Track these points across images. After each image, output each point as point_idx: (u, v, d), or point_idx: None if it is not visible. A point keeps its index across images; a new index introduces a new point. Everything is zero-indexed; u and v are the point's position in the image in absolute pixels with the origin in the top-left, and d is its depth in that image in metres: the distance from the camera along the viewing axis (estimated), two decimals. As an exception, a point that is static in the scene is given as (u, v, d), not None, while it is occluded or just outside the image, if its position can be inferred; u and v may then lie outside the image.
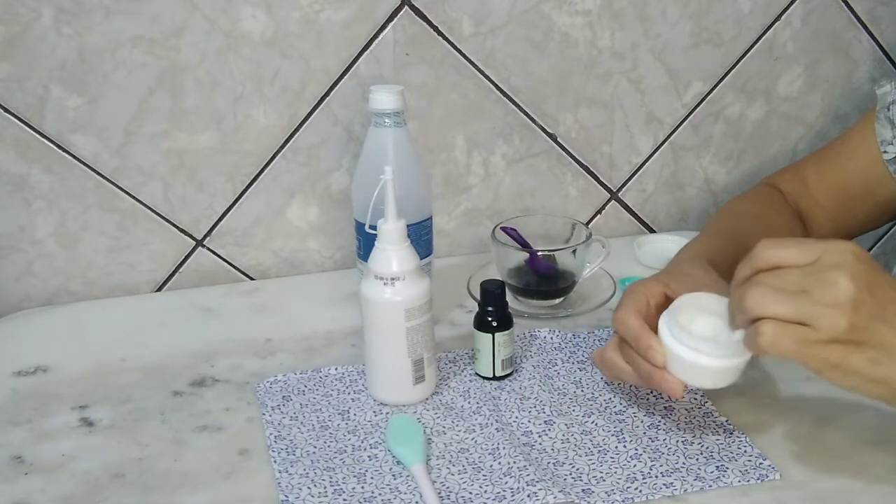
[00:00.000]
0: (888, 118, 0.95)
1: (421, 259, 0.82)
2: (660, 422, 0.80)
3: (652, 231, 1.22)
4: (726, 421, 0.80)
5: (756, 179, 1.12)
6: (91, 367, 0.92)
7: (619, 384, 0.85)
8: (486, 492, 0.72)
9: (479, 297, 0.87)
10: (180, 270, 1.09)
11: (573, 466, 0.75)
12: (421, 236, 0.93)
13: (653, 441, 0.78)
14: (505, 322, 0.86)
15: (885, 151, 0.95)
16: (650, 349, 0.72)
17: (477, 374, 0.88)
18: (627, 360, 0.76)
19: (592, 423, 0.81)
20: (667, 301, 0.76)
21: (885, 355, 0.63)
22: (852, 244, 0.64)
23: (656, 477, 0.74)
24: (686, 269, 0.81)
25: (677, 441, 0.78)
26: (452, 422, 0.81)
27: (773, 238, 0.66)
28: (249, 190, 1.07)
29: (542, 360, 0.90)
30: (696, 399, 0.83)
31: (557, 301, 1.01)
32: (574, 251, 0.98)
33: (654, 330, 0.73)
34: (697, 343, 0.70)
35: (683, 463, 0.75)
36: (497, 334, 0.85)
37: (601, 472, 0.74)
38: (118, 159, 1.02)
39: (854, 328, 0.62)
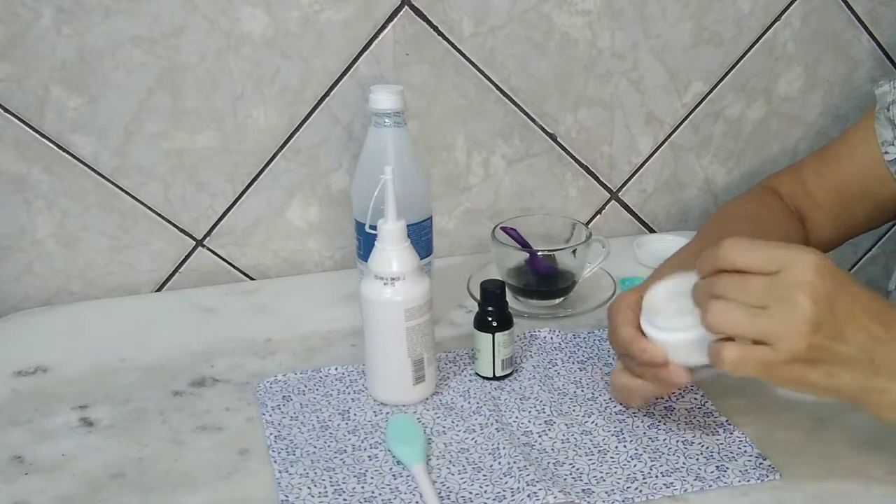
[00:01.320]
0: (888, 118, 0.94)
1: (421, 259, 0.82)
2: (660, 422, 0.80)
3: (652, 231, 1.22)
4: (727, 421, 0.80)
5: (756, 179, 1.12)
6: (91, 367, 0.92)
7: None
8: (486, 492, 0.72)
9: (479, 297, 0.87)
10: (180, 270, 1.09)
11: (573, 466, 0.75)
12: (421, 236, 0.93)
13: (653, 441, 0.78)
14: (505, 322, 0.86)
15: (885, 152, 0.94)
16: (644, 351, 0.73)
17: (477, 374, 0.88)
18: (639, 375, 0.76)
19: (593, 423, 0.81)
20: None
21: (841, 369, 0.64)
22: (815, 255, 0.64)
23: (656, 477, 0.74)
24: (662, 276, 0.81)
25: (677, 441, 0.78)
26: (452, 422, 0.81)
27: (738, 238, 0.66)
28: (249, 190, 1.07)
29: (543, 361, 0.90)
30: (696, 399, 0.83)
31: (557, 301, 1.01)
32: (574, 251, 0.98)
33: None
34: (674, 322, 0.71)
35: (684, 463, 0.75)
36: (497, 334, 0.85)
37: (601, 472, 0.74)
38: (118, 159, 1.02)
39: (812, 348, 0.63)
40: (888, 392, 0.65)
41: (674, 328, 0.71)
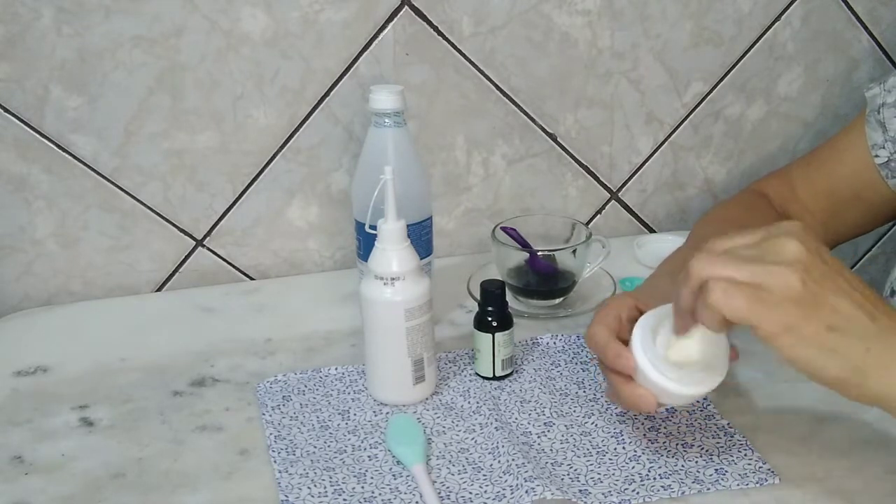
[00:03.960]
0: (878, 121, 0.93)
1: (421, 259, 0.82)
2: (660, 424, 0.80)
3: (652, 231, 1.22)
4: (727, 424, 0.80)
5: (756, 179, 1.12)
6: (91, 367, 0.92)
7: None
8: (485, 491, 0.72)
9: (479, 297, 0.87)
10: (180, 270, 1.09)
11: (571, 467, 0.75)
12: (421, 236, 0.93)
13: (652, 443, 0.78)
14: (505, 322, 0.86)
15: (876, 156, 0.93)
16: (619, 357, 0.70)
17: (477, 374, 0.88)
18: (606, 376, 0.75)
19: (592, 424, 0.81)
20: (640, 314, 0.74)
21: (844, 321, 0.60)
22: (800, 223, 0.64)
23: (654, 479, 0.74)
24: (656, 283, 0.81)
25: (677, 444, 0.78)
26: (452, 422, 0.81)
27: (717, 237, 0.65)
28: (249, 190, 1.07)
29: (545, 363, 0.90)
30: (697, 401, 0.83)
31: (557, 301, 1.01)
32: (574, 251, 0.98)
33: (626, 343, 0.72)
34: (667, 368, 0.68)
35: (682, 465, 0.75)
36: (497, 334, 0.85)
37: (599, 474, 0.74)
38: (118, 159, 1.02)
39: (808, 288, 0.60)
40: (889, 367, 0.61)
41: (663, 372, 0.68)
